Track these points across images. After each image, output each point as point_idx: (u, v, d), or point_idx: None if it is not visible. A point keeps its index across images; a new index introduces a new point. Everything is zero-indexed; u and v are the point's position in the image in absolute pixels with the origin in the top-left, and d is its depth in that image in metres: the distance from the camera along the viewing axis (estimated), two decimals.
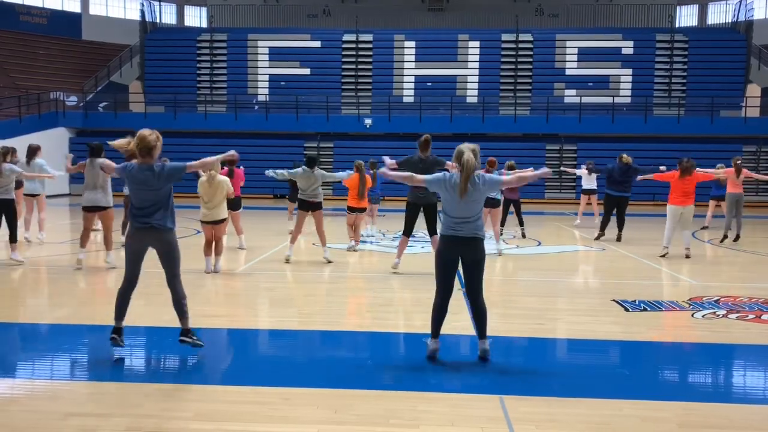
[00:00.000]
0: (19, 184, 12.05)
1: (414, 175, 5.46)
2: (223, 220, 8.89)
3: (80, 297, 7.64)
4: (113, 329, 5.07)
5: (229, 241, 10.75)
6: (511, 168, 12.50)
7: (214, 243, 8.94)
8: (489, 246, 9.36)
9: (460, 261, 5.11)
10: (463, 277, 5.21)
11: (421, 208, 8.89)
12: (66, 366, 5.09)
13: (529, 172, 5.63)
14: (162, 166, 4.99)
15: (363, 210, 11.58)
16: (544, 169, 5.57)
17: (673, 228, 10.92)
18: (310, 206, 9.77)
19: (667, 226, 10.97)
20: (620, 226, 13.27)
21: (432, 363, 5.07)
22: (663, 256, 10.80)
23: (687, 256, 10.70)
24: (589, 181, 15.14)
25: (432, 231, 8.85)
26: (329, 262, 9.76)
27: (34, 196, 11.83)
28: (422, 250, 11.16)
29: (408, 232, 9.05)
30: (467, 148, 5.01)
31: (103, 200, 8.95)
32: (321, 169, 10.01)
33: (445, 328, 5.29)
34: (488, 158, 11.26)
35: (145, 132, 4.96)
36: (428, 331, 5.25)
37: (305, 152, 27.07)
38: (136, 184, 4.98)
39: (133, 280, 5.12)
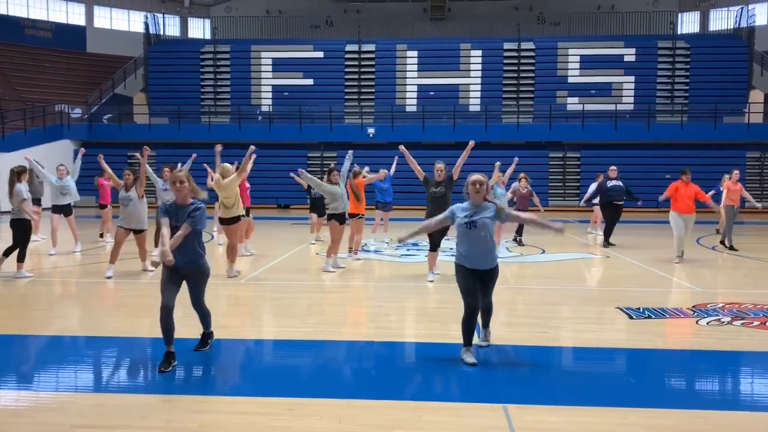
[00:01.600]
0: (36, 202, 12.20)
1: (432, 222, 5.71)
2: (239, 218, 9.52)
3: (86, 309, 7.66)
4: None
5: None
6: (525, 179, 12.62)
7: (229, 246, 9.46)
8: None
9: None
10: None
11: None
12: (71, 378, 5.10)
13: (537, 218, 5.75)
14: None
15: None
16: (558, 225, 5.65)
17: (682, 234, 11.02)
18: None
19: (675, 233, 11.14)
20: (608, 233, 13.48)
21: (437, 371, 5.07)
22: (677, 261, 11.03)
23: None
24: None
25: (434, 246, 9.01)
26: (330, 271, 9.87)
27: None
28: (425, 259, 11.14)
29: (435, 246, 9.04)
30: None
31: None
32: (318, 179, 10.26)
33: (449, 337, 5.30)
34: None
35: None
36: (432, 340, 5.27)
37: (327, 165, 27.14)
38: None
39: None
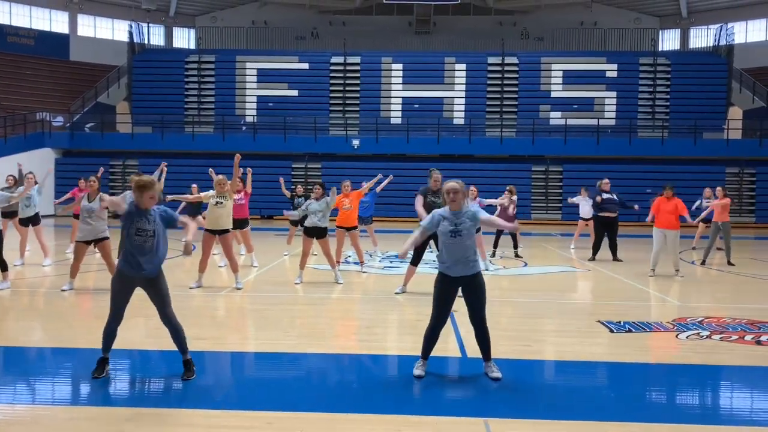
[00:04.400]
0: (12, 214, 11.97)
1: (417, 234, 5.49)
2: (228, 231, 9.45)
3: (62, 320, 7.55)
4: None
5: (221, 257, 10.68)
6: (510, 192, 12.65)
7: (227, 258, 9.51)
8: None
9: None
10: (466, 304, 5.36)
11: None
12: (46, 390, 5.01)
13: (500, 221, 5.81)
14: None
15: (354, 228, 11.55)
16: (513, 225, 6.08)
17: (659, 249, 11.10)
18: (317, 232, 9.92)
19: (654, 248, 11.25)
20: (613, 248, 13.40)
21: (418, 385, 5.05)
22: (651, 275, 11.07)
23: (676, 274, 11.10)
24: (587, 211, 15.26)
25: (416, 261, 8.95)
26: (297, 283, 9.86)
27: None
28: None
29: (417, 260, 8.91)
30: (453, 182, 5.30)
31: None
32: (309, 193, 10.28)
33: (432, 350, 5.27)
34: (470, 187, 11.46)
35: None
36: (414, 353, 5.24)
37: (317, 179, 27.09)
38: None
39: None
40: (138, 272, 5.00)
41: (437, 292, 5.28)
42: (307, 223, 9.84)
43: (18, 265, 11.34)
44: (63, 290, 8.88)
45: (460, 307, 8.11)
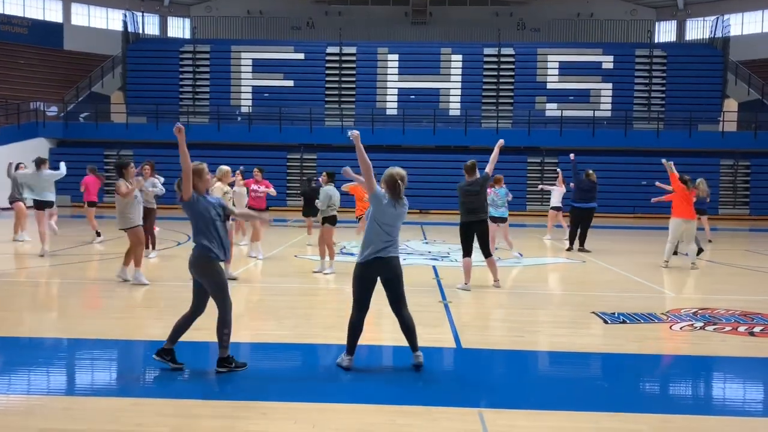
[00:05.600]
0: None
1: (369, 175, 5.25)
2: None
3: (58, 310, 7.54)
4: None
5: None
6: (498, 182, 12.38)
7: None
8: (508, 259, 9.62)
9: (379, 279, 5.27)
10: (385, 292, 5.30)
11: (475, 229, 8.74)
12: (41, 380, 5.00)
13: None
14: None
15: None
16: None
17: (675, 241, 11.28)
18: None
19: (669, 239, 11.32)
20: (582, 238, 13.34)
21: (412, 375, 5.06)
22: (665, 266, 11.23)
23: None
24: (558, 199, 15.31)
25: (486, 253, 8.88)
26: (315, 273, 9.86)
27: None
28: (407, 263, 11.13)
29: (468, 252, 8.79)
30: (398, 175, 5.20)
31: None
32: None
33: (424, 341, 5.29)
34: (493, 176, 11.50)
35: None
36: (407, 343, 5.26)
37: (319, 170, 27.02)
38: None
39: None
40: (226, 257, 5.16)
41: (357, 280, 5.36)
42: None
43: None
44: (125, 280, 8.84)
45: (455, 297, 8.17)
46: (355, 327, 5.25)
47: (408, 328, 5.24)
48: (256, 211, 11.41)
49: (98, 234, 13.40)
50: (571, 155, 14.21)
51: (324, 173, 10.11)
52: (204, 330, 6.35)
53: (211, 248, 4.98)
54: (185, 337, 5.22)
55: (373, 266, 5.16)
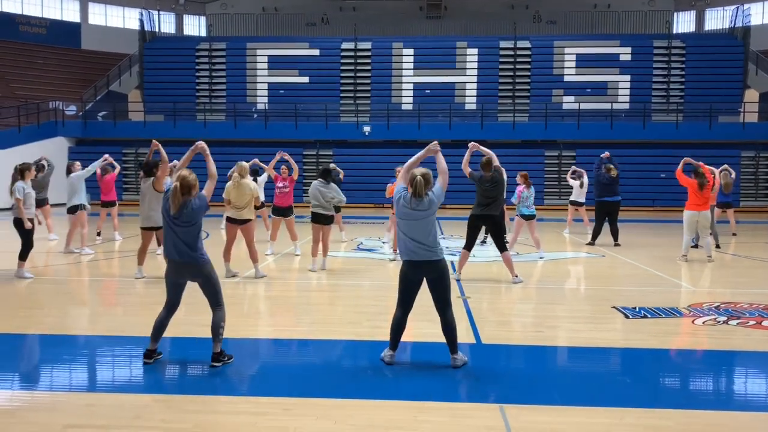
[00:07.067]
0: (42, 202, 11.90)
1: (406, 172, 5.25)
2: (249, 220, 9.11)
3: (81, 307, 7.62)
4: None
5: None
6: (524, 177, 12.17)
7: (248, 249, 9.22)
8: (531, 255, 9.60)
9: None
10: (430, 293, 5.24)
11: (483, 222, 8.76)
12: (64, 377, 5.06)
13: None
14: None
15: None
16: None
17: (691, 233, 11.15)
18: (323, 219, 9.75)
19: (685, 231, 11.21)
20: (613, 234, 13.24)
21: (434, 371, 5.05)
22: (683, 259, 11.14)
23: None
24: (579, 195, 15.08)
25: (501, 247, 8.83)
26: (323, 269, 9.82)
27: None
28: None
29: (469, 246, 8.89)
30: (418, 172, 5.10)
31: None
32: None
33: (443, 337, 5.25)
34: (519, 172, 11.50)
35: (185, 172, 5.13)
36: (431, 339, 5.24)
37: (325, 165, 27.10)
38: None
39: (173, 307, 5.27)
40: None
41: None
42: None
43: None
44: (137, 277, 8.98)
45: (474, 293, 8.14)
46: (396, 324, 5.23)
47: (449, 329, 5.16)
48: (281, 209, 11.20)
49: (98, 234, 13.42)
50: (605, 154, 13.93)
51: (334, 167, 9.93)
52: (225, 327, 6.38)
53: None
54: (204, 334, 5.22)
55: (411, 267, 5.16)
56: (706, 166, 11.51)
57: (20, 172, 9.05)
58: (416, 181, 5.07)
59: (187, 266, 5.10)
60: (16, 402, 4.46)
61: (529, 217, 11.41)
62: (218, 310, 5.17)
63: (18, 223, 8.96)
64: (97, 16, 35.23)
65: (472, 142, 8.89)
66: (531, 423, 4.07)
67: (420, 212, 5.07)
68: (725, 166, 14.08)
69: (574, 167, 15.48)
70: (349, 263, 10.82)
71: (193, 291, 5.89)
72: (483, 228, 12.39)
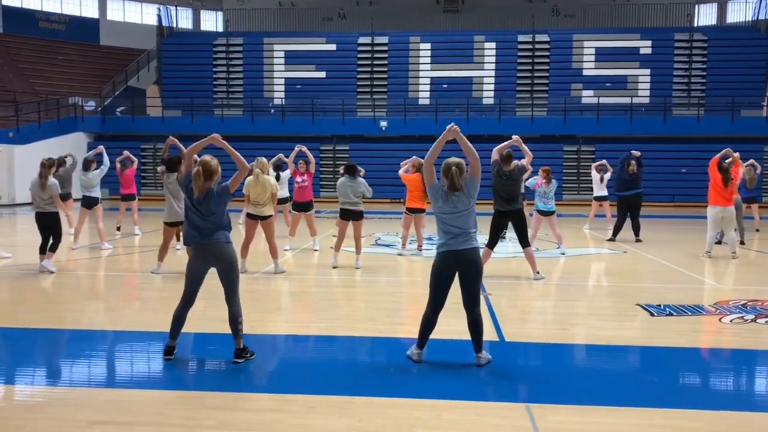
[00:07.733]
0: (65, 196, 12.04)
1: (430, 162, 5.14)
2: (270, 216, 9.10)
3: (104, 303, 7.66)
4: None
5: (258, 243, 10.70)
6: (546, 172, 12.03)
7: (268, 245, 9.21)
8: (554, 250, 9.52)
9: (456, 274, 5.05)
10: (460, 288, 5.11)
11: (509, 218, 8.68)
12: (88, 373, 5.07)
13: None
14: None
15: (421, 211, 11.01)
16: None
17: (715, 229, 10.99)
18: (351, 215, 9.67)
19: (709, 227, 11.02)
20: (635, 229, 13.06)
21: (458, 370, 4.99)
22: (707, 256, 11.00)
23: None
24: (600, 189, 14.91)
25: (524, 243, 8.76)
26: (357, 268, 9.69)
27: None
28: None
29: (492, 243, 8.77)
30: (451, 162, 4.98)
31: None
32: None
33: (467, 334, 5.19)
34: (541, 167, 11.40)
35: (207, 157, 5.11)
36: (456, 337, 5.18)
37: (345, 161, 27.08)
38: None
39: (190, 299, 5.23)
40: None
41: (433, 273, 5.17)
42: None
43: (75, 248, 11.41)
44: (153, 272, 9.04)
45: (494, 289, 8.06)
46: (426, 321, 5.12)
47: (476, 327, 5.04)
48: (301, 205, 11.19)
49: (118, 229, 13.49)
50: (636, 152, 13.70)
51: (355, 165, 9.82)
52: (247, 323, 6.37)
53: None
54: (226, 329, 5.20)
55: (447, 259, 4.97)
56: (740, 161, 11.32)
57: (48, 167, 9.12)
58: (451, 173, 4.87)
59: (211, 249, 5.02)
60: (39, 398, 4.47)
61: (547, 213, 11.28)
62: (234, 303, 5.09)
63: (53, 217, 9.04)
64: (116, 11, 35.48)
65: (516, 136, 8.67)
66: (559, 423, 4.00)
67: (460, 212, 4.93)
68: (752, 161, 13.83)
69: (604, 161, 15.24)
70: (367, 259, 10.75)
71: (211, 286, 5.89)
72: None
